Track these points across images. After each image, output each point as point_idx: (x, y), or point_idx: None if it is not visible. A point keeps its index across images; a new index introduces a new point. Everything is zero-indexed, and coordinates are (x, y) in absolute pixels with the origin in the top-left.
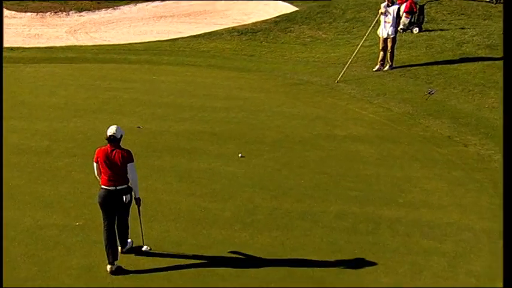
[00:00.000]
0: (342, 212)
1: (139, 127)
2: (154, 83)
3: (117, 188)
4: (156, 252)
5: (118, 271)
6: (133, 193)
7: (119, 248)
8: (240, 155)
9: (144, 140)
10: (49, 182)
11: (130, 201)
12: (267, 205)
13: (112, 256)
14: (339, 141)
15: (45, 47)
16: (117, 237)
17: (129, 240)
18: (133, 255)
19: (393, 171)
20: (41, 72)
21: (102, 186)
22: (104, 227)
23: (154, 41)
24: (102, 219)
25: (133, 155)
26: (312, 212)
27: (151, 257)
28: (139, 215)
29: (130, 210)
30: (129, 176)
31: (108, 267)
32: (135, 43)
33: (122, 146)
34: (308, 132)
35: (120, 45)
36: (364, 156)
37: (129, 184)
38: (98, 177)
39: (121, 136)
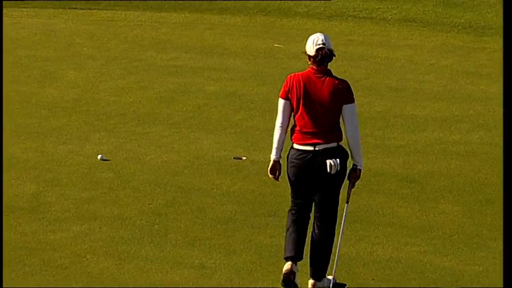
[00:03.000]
0: None
1: (238, 158)
2: (276, 58)
3: (317, 148)
4: None
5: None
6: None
7: (310, 281)
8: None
9: (250, 191)
10: None
11: (340, 174)
12: None
13: (294, 250)
14: None
15: None
16: (313, 248)
17: (330, 277)
18: None
19: None
20: (23, 24)
21: (294, 146)
22: (292, 213)
23: None
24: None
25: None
26: None
27: None
28: (347, 202)
29: (339, 198)
30: (347, 126)
31: (287, 265)
32: None
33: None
34: None
35: None
36: None
37: (340, 143)
38: (278, 128)
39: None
